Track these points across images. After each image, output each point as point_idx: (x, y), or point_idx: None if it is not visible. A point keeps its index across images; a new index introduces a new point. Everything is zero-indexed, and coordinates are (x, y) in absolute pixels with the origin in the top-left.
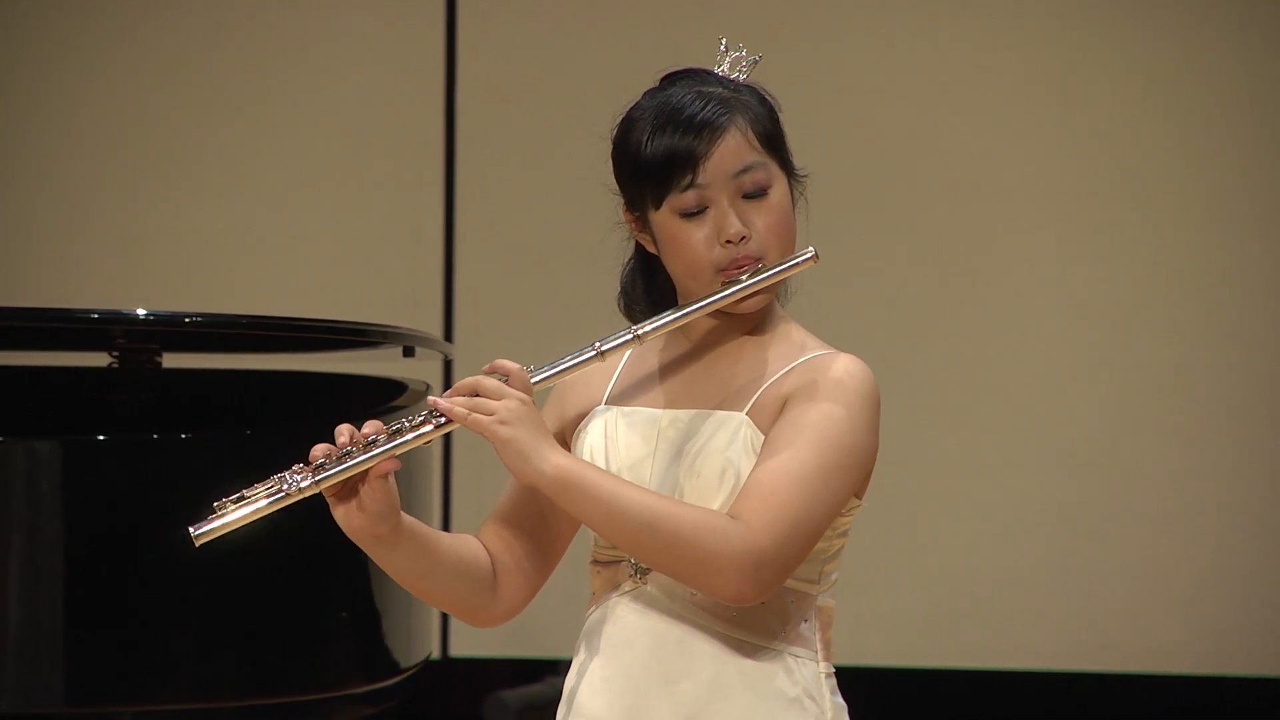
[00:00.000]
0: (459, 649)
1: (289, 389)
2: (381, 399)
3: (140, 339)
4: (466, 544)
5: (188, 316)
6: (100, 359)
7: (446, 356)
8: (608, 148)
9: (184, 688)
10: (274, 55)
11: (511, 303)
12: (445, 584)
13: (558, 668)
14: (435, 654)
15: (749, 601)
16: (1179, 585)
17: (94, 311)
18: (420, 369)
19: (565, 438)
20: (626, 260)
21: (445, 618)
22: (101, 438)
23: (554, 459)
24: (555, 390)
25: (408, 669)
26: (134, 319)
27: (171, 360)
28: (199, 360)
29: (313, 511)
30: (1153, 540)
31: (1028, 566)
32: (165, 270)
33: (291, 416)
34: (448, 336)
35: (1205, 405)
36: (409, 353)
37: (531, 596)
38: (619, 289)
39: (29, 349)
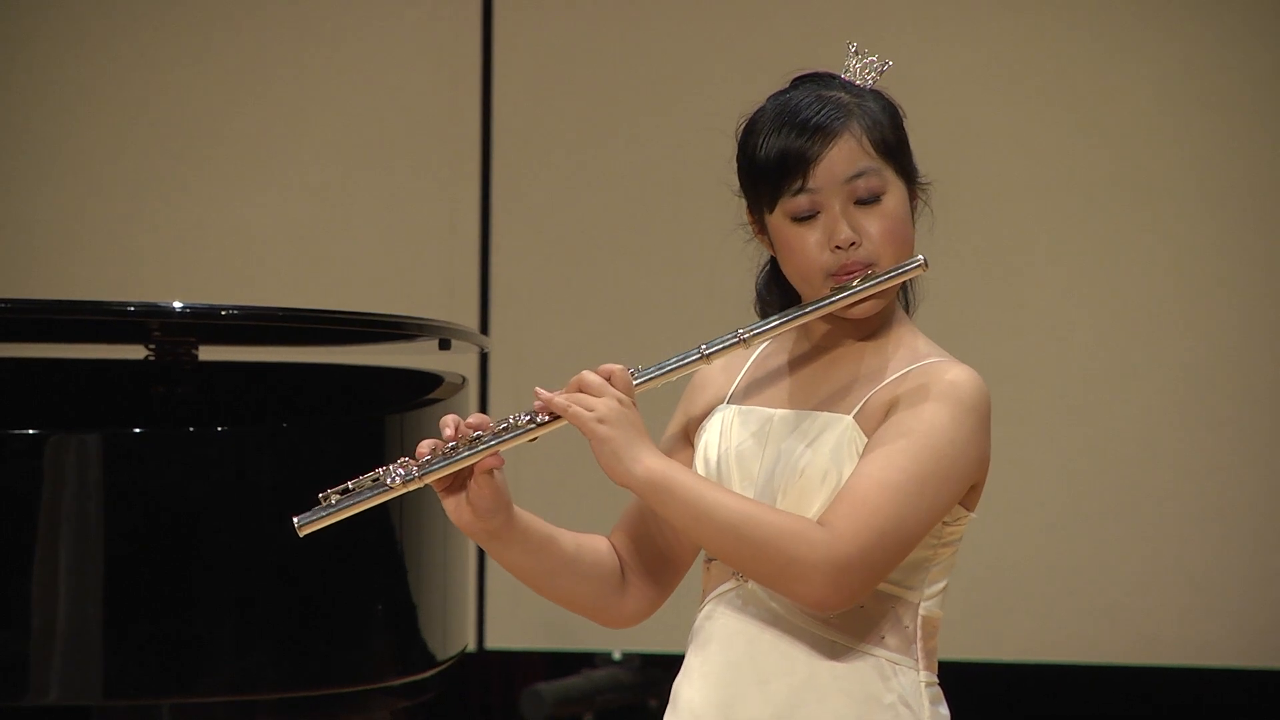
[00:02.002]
0: (495, 642)
1: (325, 382)
2: (418, 392)
3: (177, 332)
4: (593, 544)
5: (224, 310)
6: (137, 352)
7: (482, 349)
8: (645, 145)
9: (221, 680)
10: (311, 49)
11: (547, 296)
12: (567, 583)
13: (594, 660)
14: (471, 647)
15: (832, 609)
16: (1214, 579)
17: (130, 304)
18: (456, 362)
19: (690, 434)
20: (761, 266)
21: (481, 610)
22: (139, 430)
23: (646, 461)
24: (686, 389)
25: (444, 662)
26: (171, 312)
27: (208, 353)
28: (235, 353)
29: None
30: (1188, 534)
31: (1059, 560)
32: (201, 264)
33: (328, 409)
34: (484, 330)
35: (1242, 400)
36: (445, 345)
37: (661, 600)
38: (754, 294)
39: (66, 341)
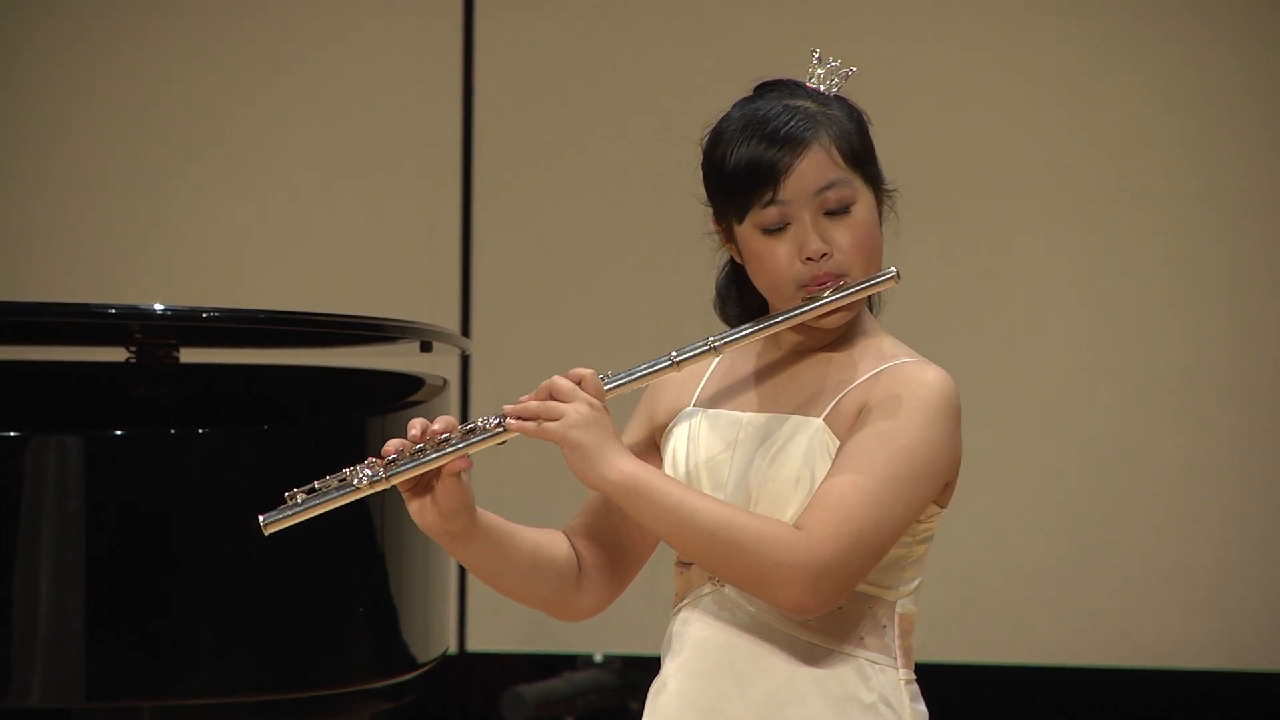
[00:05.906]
0: (476, 644)
1: (306, 384)
2: (399, 394)
3: (158, 334)
4: (550, 540)
5: (205, 312)
6: (118, 354)
7: (464, 351)
8: (626, 148)
9: (203, 682)
10: (292, 52)
11: (528, 298)
12: (523, 581)
13: (575, 663)
14: (452, 649)
15: (811, 613)
16: (1196, 581)
17: (112, 306)
18: (438, 364)
19: (655, 438)
20: (721, 265)
21: (462, 613)
22: (120, 433)
23: (620, 465)
24: (647, 391)
25: (425, 664)
26: (152, 314)
27: (189, 355)
28: (216, 355)
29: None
30: (1170, 536)
31: (1043, 562)
32: (183, 266)
33: (309, 411)
34: (465, 332)
35: (1223, 402)
36: (426, 348)
37: (616, 594)
38: (714, 293)
39: (47, 344)
